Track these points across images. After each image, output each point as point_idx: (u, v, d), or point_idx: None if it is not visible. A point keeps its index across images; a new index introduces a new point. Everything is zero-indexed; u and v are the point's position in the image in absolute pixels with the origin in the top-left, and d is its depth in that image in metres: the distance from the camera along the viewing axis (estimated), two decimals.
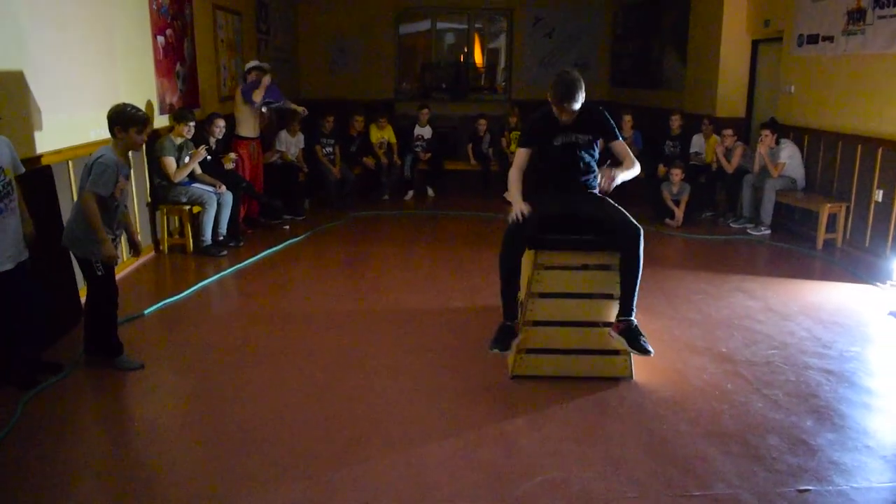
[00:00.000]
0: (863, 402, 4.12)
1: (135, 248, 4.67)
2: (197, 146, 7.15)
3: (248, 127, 8.11)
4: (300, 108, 8.72)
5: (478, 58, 14.72)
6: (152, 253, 7.03)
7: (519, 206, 4.21)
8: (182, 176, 6.87)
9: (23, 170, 4.27)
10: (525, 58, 13.92)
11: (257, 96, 7.94)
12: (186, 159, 6.99)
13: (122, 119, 4.21)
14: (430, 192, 10.43)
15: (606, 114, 4.49)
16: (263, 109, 8.29)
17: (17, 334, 4.19)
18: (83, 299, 5.04)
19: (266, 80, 7.99)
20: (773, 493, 3.22)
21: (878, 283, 6.22)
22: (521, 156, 4.51)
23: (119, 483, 3.32)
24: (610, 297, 4.25)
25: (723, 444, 3.64)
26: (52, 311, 4.75)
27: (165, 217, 7.07)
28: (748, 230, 8.20)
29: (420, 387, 4.26)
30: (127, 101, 4.45)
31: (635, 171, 4.51)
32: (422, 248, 7.69)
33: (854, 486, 3.27)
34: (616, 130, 4.51)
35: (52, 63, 5.26)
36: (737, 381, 4.36)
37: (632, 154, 4.58)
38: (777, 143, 8.08)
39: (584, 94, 4.27)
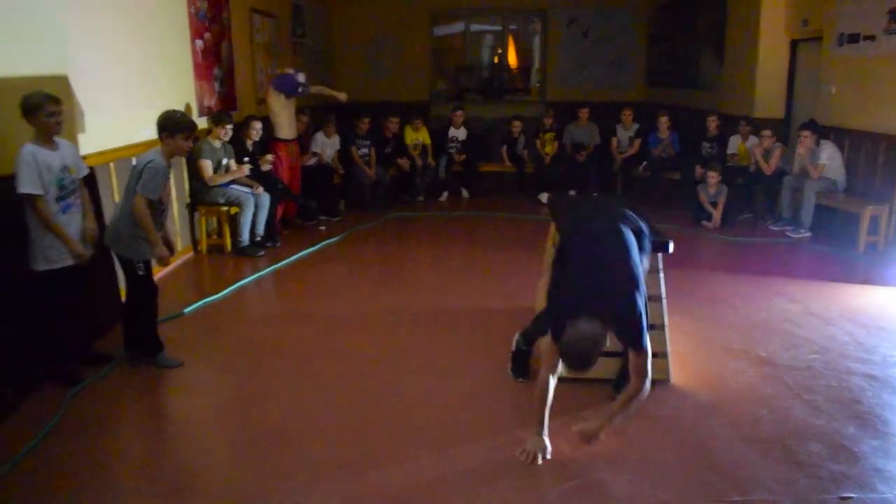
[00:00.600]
0: None
1: (170, 249, 4.76)
2: (235, 148, 7.24)
3: (285, 129, 8.19)
4: (340, 94, 8.65)
5: (512, 59, 14.68)
6: (191, 253, 7.13)
7: (535, 448, 3.49)
8: (218, 182, 6.96)
9: (87, 170, 4.50)
10: (560, 58, 13.85)
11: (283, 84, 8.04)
12: (224, 161, 7.08)
13: (171, 125, 4.31)
14: (465, 193, 10.44)
15: (641, 319, 3.26)
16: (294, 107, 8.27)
17: (67, 330, 4.29)
18: (123, 298, 5.13)
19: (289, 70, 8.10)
20: (815, 500, 3.17)
21: None
22: (553, 356, 3.39)
23: (158, 479, 3.39)
24: (648, 299, 4.20)
25: (763, 449, 3.59)
26: (93, 310, 4.85)
27: (204, 218, 7.17)
28: (787, 232, 8.08)
29: (455, 387, 4.27)
30: (167, 105, 4.54)
31: (636, 404, 3.48)
32: (456, 249, 7.70)
33: None
34: (642, 338, 3.30)
35: (94, 68, 5.36)
36: (777, 385, 4.30)
37: (644, 371, 3.36)
38: (817, 144, 7.94)
39: (602, 346, 3.21)
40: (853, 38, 7.92)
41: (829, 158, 7.87)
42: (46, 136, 4.09)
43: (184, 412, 4.17)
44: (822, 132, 8.08)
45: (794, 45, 9.45)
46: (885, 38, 7.35)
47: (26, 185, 3.96)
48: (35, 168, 3.97)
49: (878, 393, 4.18)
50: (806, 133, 7.95)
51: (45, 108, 4.03)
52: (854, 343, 4.94)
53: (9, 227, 4.11)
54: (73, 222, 4.24)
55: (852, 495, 3.20)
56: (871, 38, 7.58)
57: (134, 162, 4.58)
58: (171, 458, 3.63)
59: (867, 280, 6.43)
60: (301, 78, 8.22)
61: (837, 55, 8.23)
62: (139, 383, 4.43)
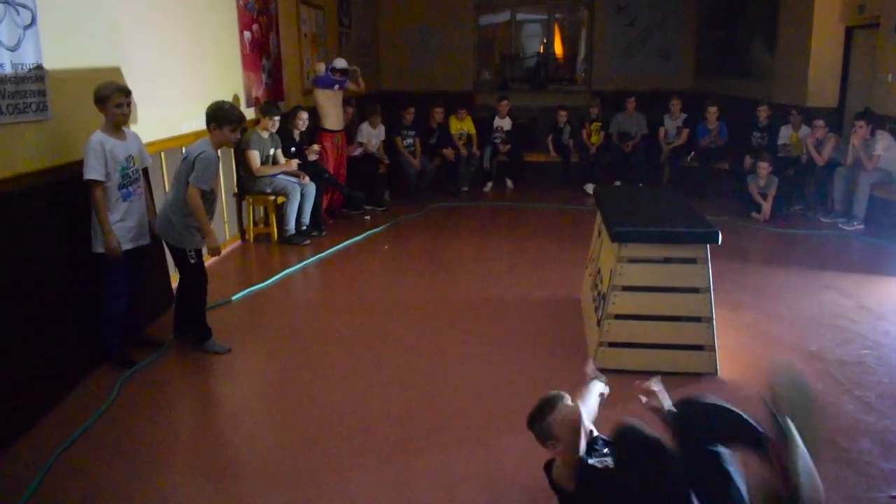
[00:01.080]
0: None
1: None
2: (282, 138, 7.32)
3: (332, 120, 8.25)
4: (360, 84, 8.75)
5: (558, 48, 14.56)
6: (239, 242, 7.24)
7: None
8: (264, 173, 7.05)
9: (150, 161, 4.64)
10: (606, 47, 13.70)
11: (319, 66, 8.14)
12: (271, 151, 7.16)
13: (219, 116, 4.39)
14: (510, 183, 10.40)
15: None
16: (336, 88, 8.29)
17: (123, 314, 4.41)
18: (174, 286, 5.24)
19: (321, 66, 8.18)
20: (866, 499, 3.11)
21: None
22: None
23: (205, 461, 3.46)
24: (695, 291, 4.16)
25: None
26: (146, 296, 4.97)
27: (251, 207, 7.28)
28: (840, 225, 7.89)
29: (498, 378, 4.27)
30: (215, 96, 4.62)
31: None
32: (501, 239, 7.69)
33: None
34: None
35: (145, 60, 5.47)
36: (827, 380, 4.22)
37: None
38: (872, 134, 7.73)
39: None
40: None
41: (885, 149, 7.65)
42: (115, 125, 4.25)
43: (232, 397, 4.26)
44: (878, 122, 7.86)
45: (850, 31, 9.20)
46: None
47: (91, 172, 4.10)
48: (101, 156, 4.12)
49: None
50: (861, 123, 7.74)
51: (115, 99, 4.18)
52: None
53: (75, 212, 4.24)
54: (134, 210, 4.37)
55: None
56: None
57: (184, 152, 4.65)
58: (220, 441, 3.70)
59: None
60: (339, 63, 8.24)
61: (895, 43, 7.99)
62: (189, 368, 4.53)
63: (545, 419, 2.67)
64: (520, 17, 14.23)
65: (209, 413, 4.11)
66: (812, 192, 8.66)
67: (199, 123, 5.98)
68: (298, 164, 7.45)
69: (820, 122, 8.33)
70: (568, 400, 2.73)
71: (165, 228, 4.51)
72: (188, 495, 3.20)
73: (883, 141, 7.68)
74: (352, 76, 8.50)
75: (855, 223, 7.78)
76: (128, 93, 4.28)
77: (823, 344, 4.73)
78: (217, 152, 4.47)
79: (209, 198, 4.44)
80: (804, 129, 8.67)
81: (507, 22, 14.22)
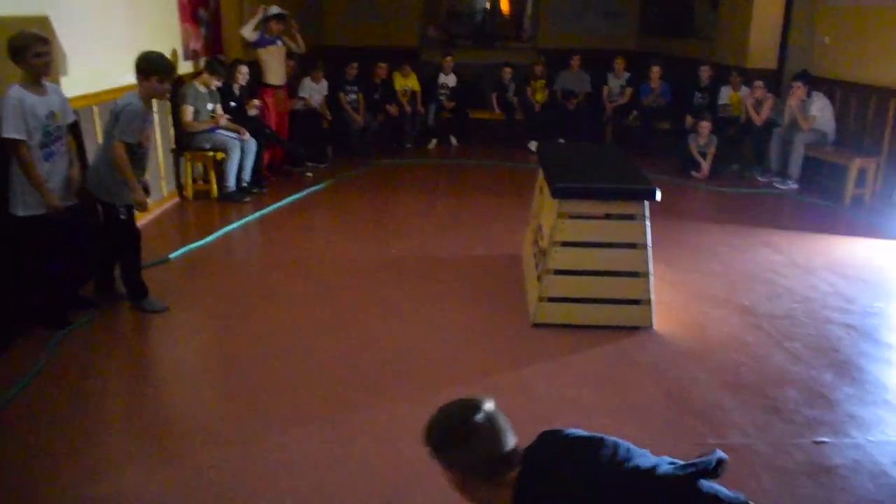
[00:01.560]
0: (884, 357, 4.10)
1: (146, 192, 4.74)
2: (222, 92, 7.14)
3: (273, 74, 8.07)
4: (300, 43, 8.44)
5: (504, 5, 14.44)
6: (177, 199, 7.08)
7: None
8: (193, 128, 6.86)
9: (73, 117, 4.40)
10: (552, 5, 13.63)
11: (247, 31, 7.91)
12: (210, 106, 6.99)
13: (145, 67, 4.23)
14: (454, 141, 10.35)
15: None
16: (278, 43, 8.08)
17: (57, 275, 4.26)
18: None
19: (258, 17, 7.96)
20: (789, 444, 3.23)
21: None
22: None
23: (143, 423, 3.42)
24: (633, 246, 4.23)
25: (741, 394, 3.65)
26: (81, 255, 4.83)
27: (189, 163, 7.11)
28: (775, 184, 8.09)
29: (440, 333, 4.30)
30: (152, 48, 4.45)
31: None
32: (444, 196, 7.68)
33: (870, 440, 3.28)
34: None
35: (76, 8, 5.24)
36: (758, 333, 4.35)
37: None
38: (808, 95, 7.90)
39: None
40: None
41: (820, 110, 7.83)
42: (35, 78, 3.97)
43: (170, 357, 4.20)
44: (815, 84, 8.03)
45: None
46: None
47: (9, 130, 3.85)
48: (20, 113, 3.86)
49: (855, 342, 4.24)
50: (798, 84, 7.89)
51: (34, 49, 3.88)
52: (835, 293, 4.99)
53: None
54: (57, 170, 4.14)
55: (826, 440, 3.27)
56: None
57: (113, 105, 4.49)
58: (158, 400, 3.66)
59: (851, 232, 6.46)
60: (273, 10, 8.02)
61: (833, 5, 8.14)
62: (125, 327, 4.45)
63: (454, 446, 1.91)
64: None
65: (146, 373, 4.04)
66: (750, 152, 8.84)
67: (133, 78, 5.81)
68: (239, 119, 7.29)
69: (759, 83, 8.47)
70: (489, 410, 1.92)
71: (95, 183, 4.36)
72: (123, 456, 3.16)
73: (818, 102, 7.85)
74: (290, 34, 8.26)
75: (790, 182, 7.99)
76: (46, 41, 3.97)
77: (755, 298, 4.88)
78: (148, 104, 4.32)
79: (138, 152, 4.29)
80: (744, 90, 8.81)
81: None
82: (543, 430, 2.06)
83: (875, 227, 6.52)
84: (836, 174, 7.66)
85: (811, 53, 8.62)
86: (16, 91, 3.90)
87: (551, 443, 2.01)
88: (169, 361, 4.14)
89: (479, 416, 1.88)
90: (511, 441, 1.90)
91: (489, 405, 1.91)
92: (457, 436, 1.88)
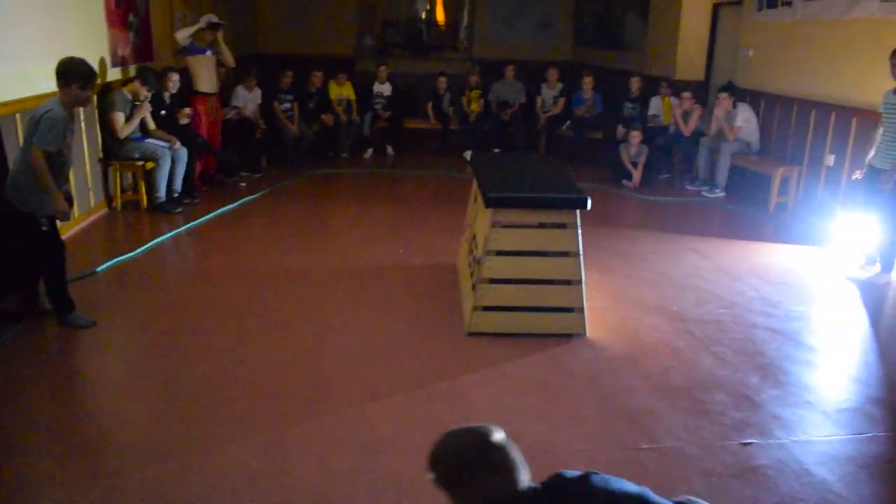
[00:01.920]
0: (805, 359, 4.25)
1: (69, 202, 4.60)
2: (152, 100, 6.99)
3: (205, 82, 7.93)
4: (228, 58, 8.24)
5: (440, 15, 14.53)
6: (105, 210, 6.89)
7: None
8: (128, 131, 6.70)
9: None
10: (487, 15, 13.77)
11: (182, 35, 7.79)
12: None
13: (66, 73, 4.11)
14: (390, 150, 10.32)
15: None
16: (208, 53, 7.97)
17: None
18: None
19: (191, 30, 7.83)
20: (717, 446, 3.32)
21: (825, 246, 6.37)
22: None
23: (71, 440, 3.31)
24: (566, 255, 4.29)
25: (671, 399, 3.73)
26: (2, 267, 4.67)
27: (118, 173, 6.92)
28: (703, 192, 8.32)
29: (376, 343, 4.28)
30: (78, 54, 4.33)
31: None
32: (380, 206, 7.66)
33: (794, 440, 3.39)
34: None
35: None
36: (687, 338, 4.46)
37: None
38: (734, 106, 8.16)
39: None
40: (772, 3, 8.11)
41: (745, 121, 8.10)
42: None
43: (97, 372, 4.08)
44: (740, 95, 8.31)
45: (716, 8, 9.62)
46: (802, 3, 7.55)
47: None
48: None
49: (779, 346, 4.38)
50: (724, 95, 8.15)
51: None
52: (760, 298, 5.16)
53: None
54: None
55: (752, 441, 3.37)
56: (789, 3, 7.78)
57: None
58: (86, 418, 3.55)
59: (775, 238, 6.69)
60: (213, 19, 7.92)
61: (756, 19, 8.43)
62: (51, 343, 4.30)
63: (464, 482, 1.83)
64: None
65: (73, 389, 3.91)
66: (679, 162, 9.07)
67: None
68: (170, 128, 7.14)
69: (687, 94, 8.71)
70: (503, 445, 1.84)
71: (14, 192, 4.20)
72: (47, 475, 3.04)
73: (743, 113, 8.11)
74: (220, 51, 8.12)
75: (717, 190, 8.22)
76: None
77: (684, 304, 5.00)
78: (69, 112, 4.19)
79: (58, 160, 4.16)
80: (673, 101, 9.04)
81: None
82: (563, 474, 1.89)
83: (797, 234, 6.76)
84: (761, 182, 7.91)
85: (736, 65, 8.91)
86: None
87: (574, 495, 1.86)
88: (97, 378, 4.02)
89: (495, 453, 1.79)
90: (523, 479, 1.81)
91: (502, 438, 1.82)
92: (469, 471, 1.80)
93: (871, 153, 5.64)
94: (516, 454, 1.82)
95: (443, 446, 1.86)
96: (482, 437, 1.81)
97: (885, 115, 5.50)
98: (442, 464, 1.84)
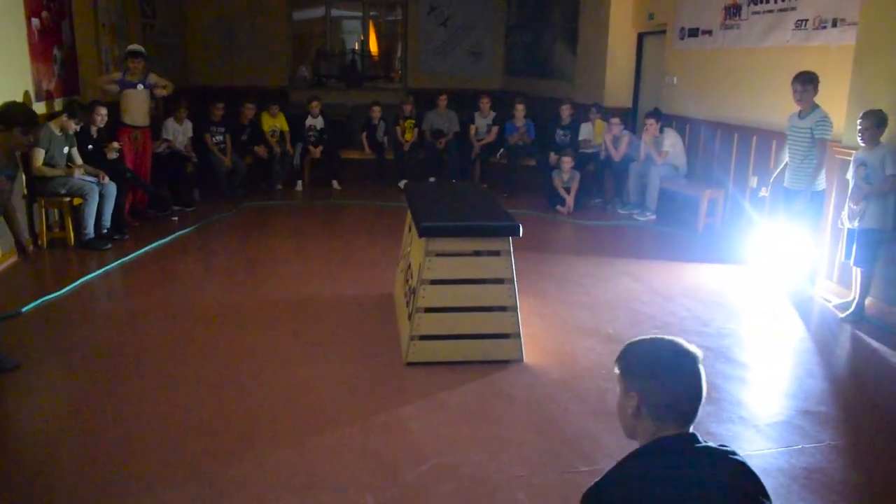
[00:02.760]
0: (737, 375, 4.36)
1: (22, 251, 4.50)
2: (78, 134, 6.84)
3: (132, 115, 7.79)
4: (165, 86, 8.18)
5: (373, 46, 14.64)
6: (30, 248, 6.66)
7: None
8: (43, 174, 6.52)
9: None
10: (420, 46, 13.94)
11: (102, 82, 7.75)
12: (65, 150, 6.67)
13: (7, 118, 4.02)
14: (336, 185, 10.07)
15: None
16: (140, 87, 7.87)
17: None
18: None
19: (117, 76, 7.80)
20: None
21: (752, 264, 6.58)
22: None
23: None
24: (500, 281, 4.33)
25: (609, 421, 3.77)
26: None
27: (44, 210, 6.72)
28: (635, 216, 8.51)
29: (313, 377, 4.23)
30: (2, 89, 4.24)
31: None
32: (315, 238, 7.61)
33: None
34: None
35: None
36: None
37: None
38: (661, 131, 8.39)
39: None
40: (693, 33, 8.42)
41: (672, 145, 8.34)
42: None
43: (22, 418, 3.92)
44: (666, 120, 8.56)
45: (641, 37, 9.93)
46: (721, 32, 7.85)
47: None
48: None
49: (712, 363, 4.49)
50: (650, 121, 8.38)
51: None
52: (692, 317, 5.29)
53: None
54: None
55: None
56: (709, 32, 8.09)
57: None
58: (9, 466, 3.40)
59: (705, 259, 6.88)
60: (132, 47, 7.93)
61: (679, 48, 8.73)
62: None
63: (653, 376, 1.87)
64: (335, 13, 14.16)
65: None
66: (610, 186, 9.27)
67: None
68: (98, 162, 6.98)
69: (616, 121, 8.94)
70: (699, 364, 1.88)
71: None
72: None
73: (670, 138, 8.36)
74: (154, 83, 8.03)
75: (648, 214, 8.42)
76: None
77: (619, 326, 5.09)
78: (4, 157, 4.08)
79: None
80: (603, 125, 9.25)
81: (322, 18, 14.10)
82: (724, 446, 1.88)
83: (725, 253, 6.96)
84: (689, 204, 8.15)
85: (661, 92, 9.19)
86: None
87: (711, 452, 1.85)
88: (21, 423, 3.86)
89: (688, 360, 1.84)
90: (699, 400, 1.84)
91: (699, 354, 1.88)
92: (661, 367, 1.85)
93: (776, 172, 6.10)
94: (704, 383, 1.85)
95: (638, 342, 1.93)
96: (680, 344, 1.89)
97: (791, 137, 5.81)
98: (632, 353, 1.91)
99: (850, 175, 5.37)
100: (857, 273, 5.33)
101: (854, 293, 5.39)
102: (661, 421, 1.85)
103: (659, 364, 1.86)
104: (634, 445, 3.51)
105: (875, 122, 5.13)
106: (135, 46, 7.92)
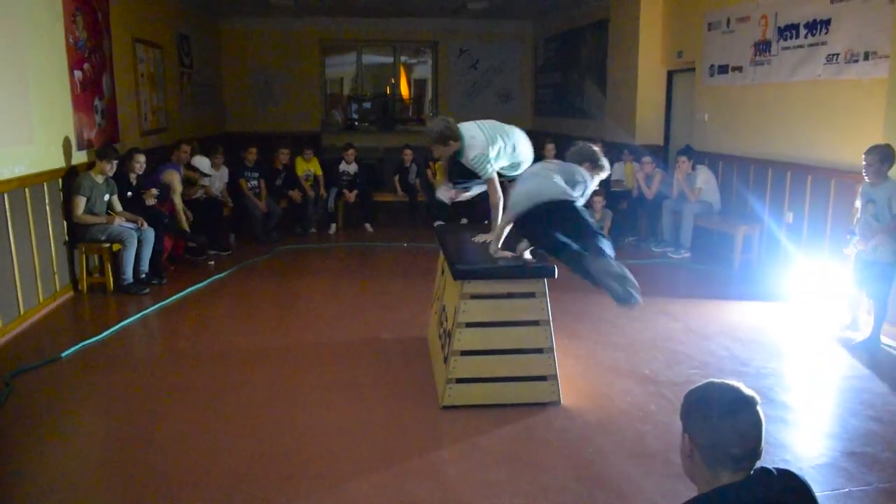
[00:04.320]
0: (780, 416, 4.27)
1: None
2: (118, 181, 7.00)
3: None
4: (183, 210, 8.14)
5: (404, 89, 14.86)
6: (71, 293, 6.81)
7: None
8: (83, 221, 6.67)
9: None
10: (450, 89, 14.12)
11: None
12: (106, 197, 6.83)
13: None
14: (370, 228, 10.22)
15: None
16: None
17: None
18: None
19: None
20: None
21: (790, 302, 6.47)
22: None
23: None
24: (536, 323, 4.31)
25: (647, 464, 3.71)
26: None
27: (84, 256, 6.87)
28: (669, 254, 8.44)
29: (349, 421, 4.22)
30: (45, 139, 4.36)
31: None
32: (349, 281, 7.66)
33: None
34: None
35: None
36: (660, 401, 4.46)
37: None
38: (693, 168, 8.36)
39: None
40: (723, 69, 8.41)
41: (705, 182, 8.29)
42: None
43: (61, 461, 3.95)
44: (698, 157, 8.52)
45: (670, 75, 9.95)
46: (752, 68, 7.84)
47: None
48: None
49: None
50: (683, 159, 8.36)
51: None
52: (731, 357, 5.20)
53: None
54: None
55: None
56: (739, 69, 8.07)
57: None
58: None
59: (742, 296, 6.78)
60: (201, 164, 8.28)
61: (709, 85, 8.72)
62: (10, 430, 4.17)
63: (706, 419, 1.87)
64: (366, 59, 14.42)
65: (33, 479, 3.79)
66: (643, 225, 9.22)
67: (25, 168, 5.65)
68: (136, 208, 7.13)
69: (647, 159, 8.93)
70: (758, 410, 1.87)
71: None
72: None
73: (703, 175, 8.32)
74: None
75: (682, 252, 8.35)
76: None
77: (656, 367, 5.02)
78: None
79: None
80: (635, 165, 9.25)
81: (353, 63, 14.36)
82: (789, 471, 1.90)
83: (763, 291, 6.86)
84: (725, 241, 8.06)
85: (693, 129, 9.17)
86: None
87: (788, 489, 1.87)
88: (60, 467, 3.90)
89: (747, 407, 1.82)
90: (757, 445, 1.82)
91: (757, 401, 1.85)
92: (713, 412, 1.83)
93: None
94: (761, 430, 1.83)
95: (697, 387, 1.92)
96: (736, 388, 1.86)
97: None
98: (689, 399, 1.90)
99: (858, 205, 5.31)
100: (867, 300, 5.29)
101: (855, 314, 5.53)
102: (714, 466, 1.83)
103: (711, 408, 1.84)
104: (675, 488, 3.46)
105: (880, 157, 5.08)
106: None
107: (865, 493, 3.47)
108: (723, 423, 1.81)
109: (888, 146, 5.08)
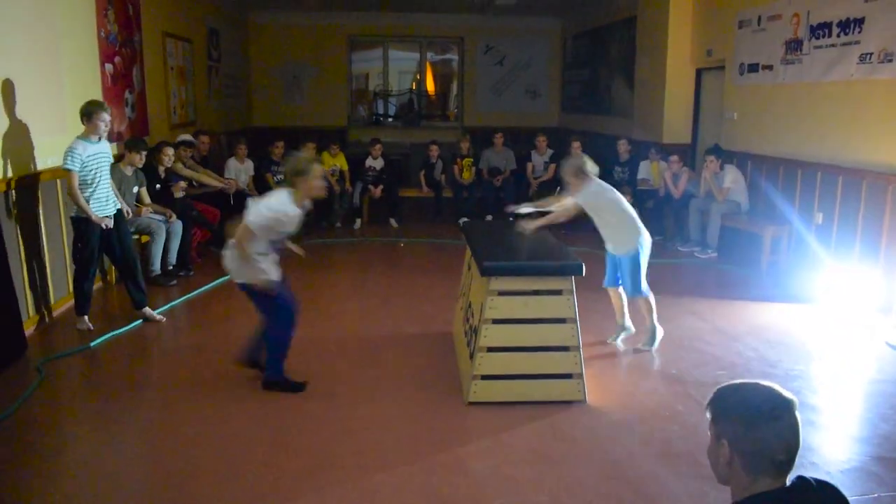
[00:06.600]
0: (807, 419, 4.21)
1: None
2: (147, 174, 7.06)
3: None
4: (222, 183, 8.45)
5: (430, 85, 14.85)
6: (100, 283, 6.88)
7: None
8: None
9: None
10: (476, 85, 14.09)
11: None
12: (135, 189, 6.89)
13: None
14: (394, 223, 10.23)
15: None
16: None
17: None
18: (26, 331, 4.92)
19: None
20: None
21: (819, 303, 6.39)
22: None
23: None
24: (562, 321, 4.29)
25: (674, 464, 3.69)
26: None
27: None
28: (696, 253, 8.37)
29: (373, 415, 4.24)
30: (77, 131, 4.41)
31: None
32: (374, 275, 7.68)
33: None
34: None
35: None
36: (687, 401, 4.43)
37: None
38: (721, 168, 8.28)
39: None
40: (753, 68, 8.32)
41: (733, 182, 8.21)
42: None
43: (87, 452, 4.00)
44: (726, 157, 8.44)
45: (699, 73, 9.86)
46: (783, 67, 7.75)
47: None
48: None
49: None
50: (711, 158, 8.28)
51: None
52: (758, 358, 5.15)
53: None
54: None
55: None
56: (770, 67, 7.98)
57: None
58: (78, 496, 3.47)
59: (770, 297, 6.71)
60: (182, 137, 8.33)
61: (739, 83, 8.63)
62: (41, 423, 4.23)
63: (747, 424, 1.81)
64: (392, 54, 14.44)
65: (63, 470, 3.83)
66: (670, 224, 9.15)
67: (57, 159, 5.71)
68: (164, 201, 7.19)
69: (675, 158, 8.86)
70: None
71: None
72: None
73: (731, 174, 8.23)
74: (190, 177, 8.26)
75: (709, 251, 8.28)
76: None
77: (683, 367, 4.98)
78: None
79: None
80: (662, 164, 9.18)
81: (380, 58, 14.39)
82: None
83: (791, 292, 6.78)
84: (752, 242, 7.97)
85: (721, 128, 9.08)
86: None
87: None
88: (85, 458, 3.94)
89: (788, 410, 1.75)
90: (796, 449, 1.77)
91: (794, 402, 1.78)
92: (757, 416, 1.75)
93: None
94: (799, 433, 1.77)
95: (730, 388, 1.85)
96: (775, 390, 1.80)
97: None
98: (725, 399, 1.83)
99: None
100: None
101: None
102: (754, 472, 1.78)
103: (753, 412, 1.77)
104: (702, 489, 3.43)
105: None
106: (186, 136, 8.38)
107: (894, 499, 3.43)
108: (768, 431, 1.75)
109: None
